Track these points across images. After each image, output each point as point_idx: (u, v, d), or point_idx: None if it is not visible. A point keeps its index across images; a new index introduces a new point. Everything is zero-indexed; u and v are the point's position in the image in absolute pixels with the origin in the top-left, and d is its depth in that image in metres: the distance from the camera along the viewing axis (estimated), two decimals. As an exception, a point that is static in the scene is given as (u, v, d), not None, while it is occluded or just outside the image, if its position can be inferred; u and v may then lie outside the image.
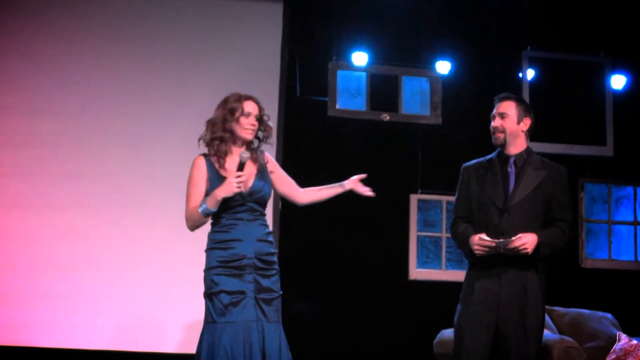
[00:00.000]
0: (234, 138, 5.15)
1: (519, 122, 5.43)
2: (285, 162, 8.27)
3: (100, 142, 8.06)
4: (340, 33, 8.78)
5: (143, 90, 8.18)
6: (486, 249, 5.18)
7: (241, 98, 5.14)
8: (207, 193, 5.04)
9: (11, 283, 7.77)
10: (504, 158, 5.44)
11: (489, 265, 5.27)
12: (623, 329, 7.52)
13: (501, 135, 5.42)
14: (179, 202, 7.67)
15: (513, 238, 5.13)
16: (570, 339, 6.47)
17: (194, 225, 5.08)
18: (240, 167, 4.98)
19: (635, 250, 9.20)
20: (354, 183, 5.50)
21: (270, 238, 5.20)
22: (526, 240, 5.13)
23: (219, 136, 5.11)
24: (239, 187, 4.96)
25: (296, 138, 8.59)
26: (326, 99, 8.70)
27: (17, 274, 7.78)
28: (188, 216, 5.06)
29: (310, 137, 8.75)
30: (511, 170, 5.40)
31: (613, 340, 7.25)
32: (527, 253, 5.15)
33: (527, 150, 5.47)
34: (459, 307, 5.45)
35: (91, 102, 8.12)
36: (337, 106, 8.72)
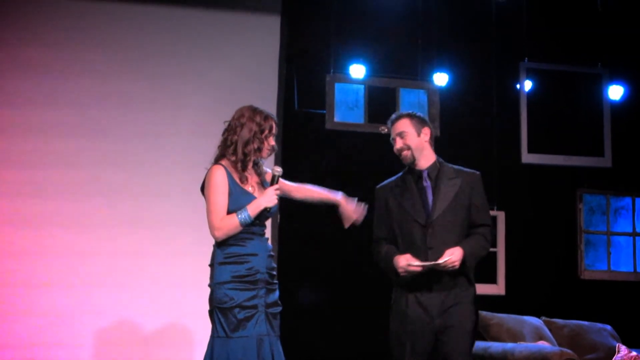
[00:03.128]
0: (256, 154, 5.18)
1: (419, 135, 5.40)
2: (283, 175, 8.26)
3: (94, 156, 8.02)
4: (337, 46, 8.79)
5: (141, 102, 8.14)
6: (411, 272, 5.17)
7: (268, 117, 5.17)
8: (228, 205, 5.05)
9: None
10: (417, 173, 5.40)
11: (419, 276, 5.21)
12: (622, 340, 7.53)
13: (408, 153, 5.38)
14: (176, 216, 7.81)
15: (440, 260, 5.11)
16: (569, 351, 6.47)
17: (226, 235, 5.00)
18: (276, 181, 5.09)
19: (634, 261, 9.20)
20: (346, 206, 5.44)
21: (273, 253, 5.24)
22: (454, 259, 5.12)
23: (250, 154, 5.12)
24: (277, 200, 5.07)
25: (294, 151, 8.57)
26: (324, 111, 8.71)
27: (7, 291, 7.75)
28: (220, 225, 4.97)
29: (308, 150, 8.74)
30: (427, 184, 5.36)
31: (612, 351, 7.26)
32: (455, 268, 5.15)
33: (438, 161, 5.46)
34: (391, 316, 5.41)
35: (88, 114, 8.07)
36: (335, 119, 8.73)
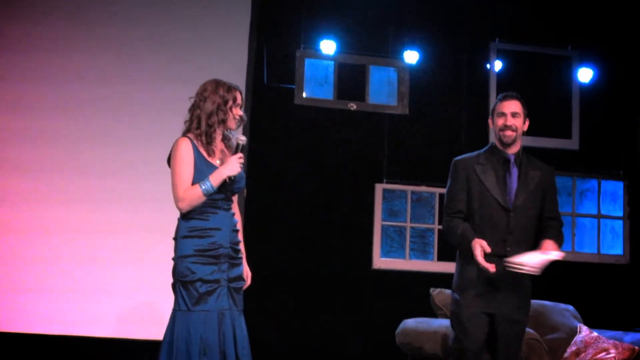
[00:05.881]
0: (221, 126, 5.15)
1: (524, 122, 5.50)
2: (252, 150, 8.25)
3: (66, 134, 8.00)
4: (308, 21, 8.76)
5: (110, 78, 8.09)
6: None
7: (231, 88, 5.15)
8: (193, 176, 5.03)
9: (13, 275, 7.77)
10: (503, 157, 5.44)
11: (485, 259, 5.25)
12: (584, 321, 7.57)
13: (513, 134, 5.41)
14: (143, 191, 7.79)
15: (555, 256, 5.19)
16: (531, 331, 6.51)
17: (190, 206, 4.99)
18: (240, 149, 5.05)
19: (598, 242, 9.26)
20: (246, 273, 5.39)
21: (238, 228, 5.21)
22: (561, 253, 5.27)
23: (214, 125, 5.10)
24: (241, 168, 5.03)
25: (263, 125, 8.56)
26: (293, 87, 8.69)
27: (18, 267, 7.78)
28: (184, 196, 4.96)
29: (276, 124, 8.72)
30: (514, 170, 5.43)
31: (574, 332, 7.31)
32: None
33: (522, 150, 5.52)
34: (456, 295, 5.47)
35: (61, 90, 8.05)
36: (304, 94, 8.71)
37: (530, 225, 5.39)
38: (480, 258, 5.17)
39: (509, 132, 5.40)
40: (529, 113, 5.53)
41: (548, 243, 5.29)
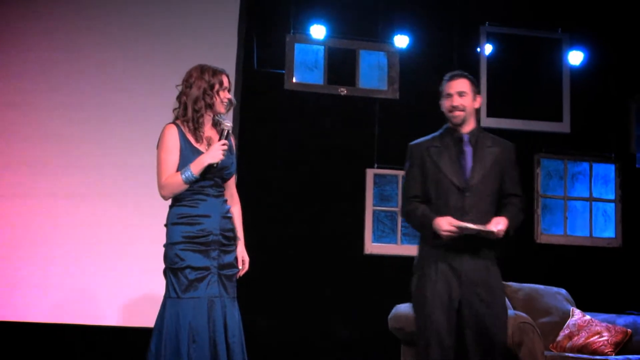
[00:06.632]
0: (208, 111, 5.12)
1: (474, 100, 5.46)
2: (242, 135, 8.21)
3: (58, 128, 7.99)
4: (298, 6, 8.73)
5: (97, 67, 8.06)
6: (455, 234, 5.17)
7: (217, 72, 5.13)
8: (178, 163, 5.02)
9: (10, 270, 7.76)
10: (457, 137, 5.42)
11: (457, 242, 5.25)
12: (577, 304, 7.58)
13: (461, 114, 5.40)
14: (137, 177, 7.77)
15: (489, 227, 5.14)
16: (524, 315, 6.50)
17: (171, 193, 5.00)
18: (226, 136, 5.03)
19: (590, 226, 9.25)
20: (241, 253, 5.32)
21: (230, 214, 5.19)
22: (502, 227, 5.17)
23: (201, 111, 5.07)
24: (224, 155, 4.98)
25: (253, 111, 8.53)
26: (283, 72, 8.66)
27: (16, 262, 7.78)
28: (165, 183, 4.97)
29: (267, 110, 8.69)
30: (467, 149, 5.40)
31: (567, 315, 7.31)
32: (499, 237, 5.19)
33: (478, 128, 5.50)
34: (417, 280, 5.44)
35: (47, 83, 8.03)
36: (294, 79, 8.68)
37: (487, 204, 5.34)
38: (447, 225, 5.16)
39: (456, 113, 5.39)
40: (479, 90, 5.52)
41: (497, 219, 5.23)
